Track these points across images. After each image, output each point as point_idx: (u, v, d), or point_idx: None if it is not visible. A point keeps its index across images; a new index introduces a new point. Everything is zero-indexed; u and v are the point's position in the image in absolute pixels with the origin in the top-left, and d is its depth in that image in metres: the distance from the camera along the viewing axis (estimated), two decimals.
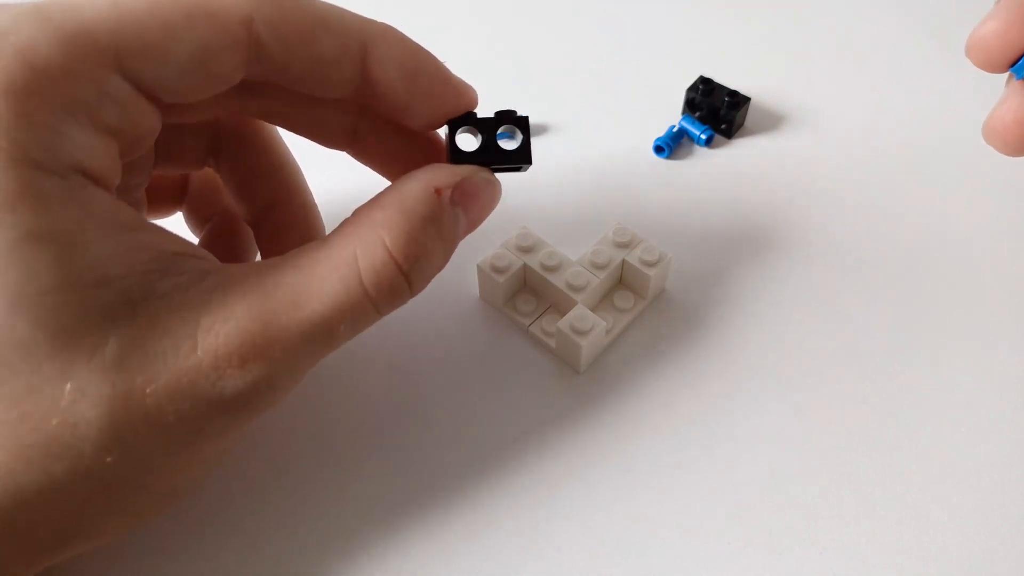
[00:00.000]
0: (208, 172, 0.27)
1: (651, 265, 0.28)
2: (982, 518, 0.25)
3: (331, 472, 0.26)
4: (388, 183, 0.23)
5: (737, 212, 0.33)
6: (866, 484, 0.26)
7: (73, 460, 0.17)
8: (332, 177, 0.28)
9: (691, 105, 0.35)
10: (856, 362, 0.28)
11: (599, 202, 0.33)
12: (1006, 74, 0.23)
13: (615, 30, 0.40)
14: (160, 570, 0.24)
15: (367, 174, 0.26)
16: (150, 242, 0.19)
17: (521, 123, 0.23)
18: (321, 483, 0.26)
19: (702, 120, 0.35)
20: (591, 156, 0.35)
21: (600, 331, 0.27)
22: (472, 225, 0.23)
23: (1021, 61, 0.22)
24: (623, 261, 0.29)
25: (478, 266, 0.29)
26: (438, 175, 0.22)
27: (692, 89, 0.35)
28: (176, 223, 0.29)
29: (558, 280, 0.28)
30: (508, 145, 0.23)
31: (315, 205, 0.27)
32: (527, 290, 0.30)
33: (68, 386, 0.17)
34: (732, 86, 0.35)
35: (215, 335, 0.18)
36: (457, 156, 0.23)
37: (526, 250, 0.29)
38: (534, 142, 0.26)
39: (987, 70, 0.22)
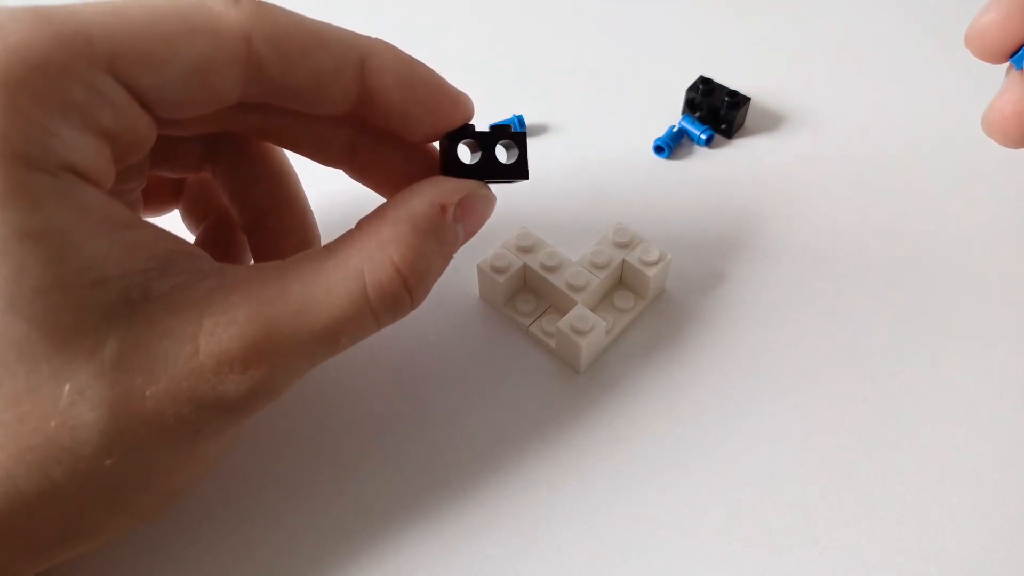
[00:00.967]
0: (204, 173, 0.27)
1: (651, 265, 0.28)
2: (982, 518, 0.25)
3: (330, 472, 0.26)
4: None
5: (737, 212, 0.33)
6: (866, 484, 0.26)
7: (72, 462, 0.17)
8: (329, 184, 0.28)
9: (691, 105, 0.35)
10: (856, 362, 0.28)
11: (599, 202, 0.33)
12: (1005, 65, 0.23)
13: (615, 30, 0.40)
14: (160, 570, 0.24)
15: None
16: (147, 240, 0.19)
17: (518, 139, 0.23)
18: (320, 483, 0.26)
19: (702, 120, 0.35)
20: (591, 156, 0.35)
21: (600, 331, 0.27)
22: (467, 237, 0.23)
23: (1021, 52, 0.22)
24: (623, 261, 0.29)
25: (478, 266, 0.29)
26: (442, 191, 0.22)
27: (692, 89, 0.35)
28: (173, 222, 0.29)
29: (558, 280, 0.28)
30: (504, 157, 0.23)
31: (311, 212, 0.27)
32: (527, 290, 0.30)
33: (67, 387, 0.17)
34: (732, 86, 0.35)
35: (217, 338, 0.18)
36: (454, 168, 0.23)
37: (526, 250, 0.29)
38: (534, 142, 0.26)
39: (986, 60, 0.22)
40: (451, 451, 0.26)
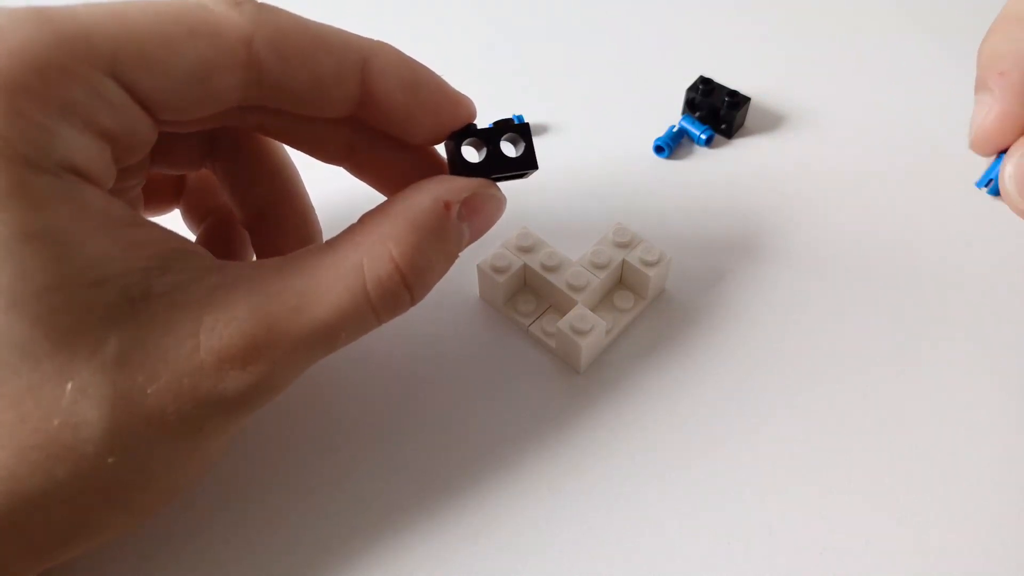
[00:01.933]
0: (205, 170, 0.27)
1: (651, 265, 0.28)
2: (982, 518, 0.25)
3: (330, 471, 0.26)
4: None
5: (737, 212, 0.33)
6: (866, 484, 0.26)
7: (75, 461, 0.17)
8: (330, 181, 0.28)
9: (691, 105, 0.35)
10: (856, 362, 0.28)
11: (599, 202, 0.33)
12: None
13: (615, 30, 0.40)
14: (160, 568, 0.24)
15: None
16: (147, 239, 0.19)
17: (523, 130, 0.23)
18: (320, 482, 0.26)
19: (702, 120, 0.35)
20: (591, 156, 0.35)
21: (600, 331, 0.27)
22: (474, 237, 0.23)
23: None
24: (623, 261, 0.29)
25: (478, 266, 0.29)
26: (448, 188, 0.22)
27: (692, 89, 0.35)
28: (173, 221, 0.29)
29: (558, 280, 0.28)
30: (510, 152, 0.23)
31: (312, 209, 0.27)
32: (527, 290, 0.30)
33: (69, 386, 0.17)
34: (732, 86, 0.35)
35: (218, 335, 0.18)
36: (461, 168, 0.23)
37: (526, 250, 0.29)
38: (535, 142, 0.25)
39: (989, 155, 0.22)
40: (451, 451, 0.26)
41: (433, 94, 0.22)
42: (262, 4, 0.20)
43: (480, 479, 0.26)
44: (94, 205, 0.18)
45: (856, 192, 0.33)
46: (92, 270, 0.17)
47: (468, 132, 0.23)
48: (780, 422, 0.27)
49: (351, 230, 0.21)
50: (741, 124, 0.36)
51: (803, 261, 0.31)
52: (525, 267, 0.29)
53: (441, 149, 0.24)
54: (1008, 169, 0.22)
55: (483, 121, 0.23)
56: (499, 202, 0.23)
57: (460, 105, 0.23)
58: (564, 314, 0.28)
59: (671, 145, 0.34)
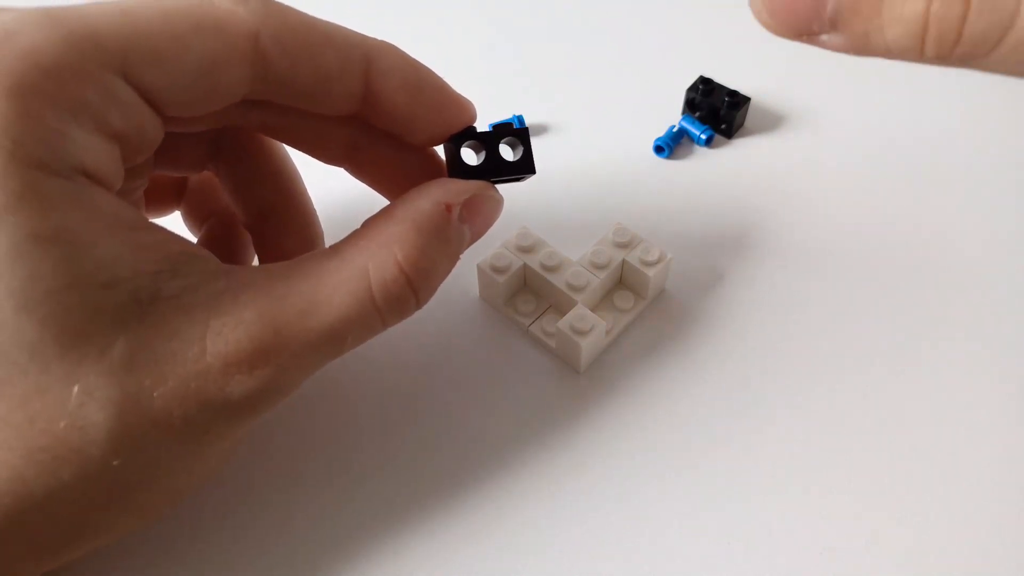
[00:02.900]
0: (207, 173, 0.27)
1: (651, 265, 0.28)
2: (982, 518, 0.25)
3: (330, 472, 0.26)
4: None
5: (737, 212, 0.33)
6: (867, 484, 0.26)
7: (81, 463, 0.17)
8: (332, 183, 0.28)
9: (691, 105, 0.36)
10: (856, 361, 0.29)
11: (599, 202, 0.33)
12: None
13: (615, 30, 0.40)
14: (163, 570, 0.24)
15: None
16: (156, 242, 0.19)
17: (521, 135, 0.24)
18: (320, 482, 0.26)
19: (702, 120, 0.35)
20: (591, 156, 0.35)
21: (600, 331, 0.27)
22: (474, 239, 0.23)
23: None
24: (623, 261, 0.29)
25: (478, 266, 0.29)
26: (448, 191, 0.22)
27: (692, 89, 0.35)
28: (173, 222, 0.29)
29: (558, 280, 0.28)
30: (509, 156, 0.23)
31: (314, 211, 0.27)
32: (527, 290, 0.30)
33: (76, 388, 0.17)
34: (732, 86, 0.35)
35: (224, 339, 0.19)
36: (460, 171, 0.23)
37: (526, 250, 0.29)
38: (534, 142, 0.26)
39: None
40: (451, 451, 0.26)
41: (435, 95, 0.22)
42: (268, 0, 0.20)
43: (480, 479, 0.26)
44: (104, 207, 0.18)
45: (856, 192, 0.33)
46: (102, 272, 0.17)
47: (468, 135, 0.23)
48: (780, 422, 0.27)
49: (355, 235, 0.22)
50: (741, 124, 0.36)
51: (803, 261, 0.31)
52: (525, 267, 0.29)
53: (440, 151, 0.25)
54: None
55: (483, 122, 0.24)
56: (497, 203, 0.24)
57: (461, 107, 0.23)
58: (564, 314, 0.28)
59: (671, 145, 0.34)
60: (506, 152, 0.23)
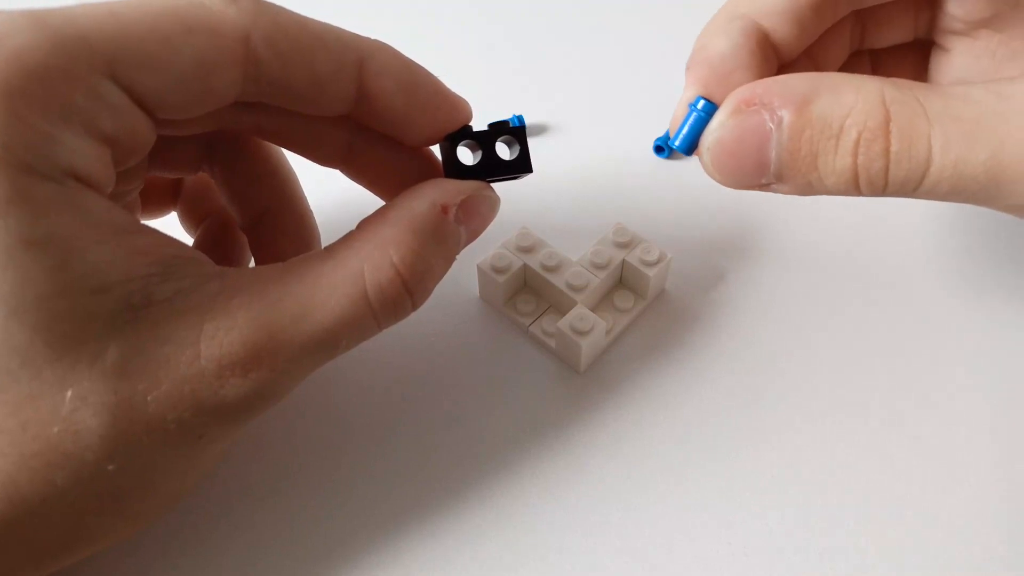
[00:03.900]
0: (203, 174, 0.27)
1: (651, 265, 0.28)
2: (982, 518, 0.25)
3: (329, 472, 0.26)
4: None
5: (737, 212, 0.33)
6: (867, 485, 0.26)
7: (75, 469, 0.17)
8: (328, 184, 0.28)
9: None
10: (856, 362, 0.28)
11: (599, 202, 0.33)
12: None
13: (615, 30, 0.40)
14: (160, 571, 0.24)
15: None
16: (148, 246, 0.19)
17: (518, 133, 0.23)
18: (319, 483, 0.26)
19: None
20: (591, 156, 0.35)
21: (600, 331, 0.27)
22: (471, 239, 0.23)
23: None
24: (623, 261, 0.29)
25: (478, 266, 0.29)
26: (444, 192, 0.22)
27: None
28: (170, 224, 0.29)
29: (558, 280, 0.28)
30: (505, 155, 0.23)
31: (310, 212, 0.27)
32: (527, 290, 0.30)
33: (69, 393, 0.17)
34: None
35: (218, 343, 0.18)
36: (456, 171, 0.23)
37: (526, 250, 0.29)
38: (534, 142, 0.26)
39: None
40: (450, 451, 0.26)
41: (430, 95, 0.22)
42: (259, 1, 0.20)
43: (480, 479, 0.26)
44: (95, 211, 0.18)
45: None
46: (94, 277, 0.17)
47: (464, 134, 0.23)
48: (780, 422, 0.27)
49: (350, 236, 0.21)
50: None
51: (803, 261, 0.31)
52: (525, 267, 0.29)
53: (436, 151, 0.24)
54: (707, 140, 0.22)
55: (481, 121, 0.23)
56: (493, 203, 0.23)
57: (456, 107, 0.23)
58: (564, 314, 0.28)
59: (671, 145, 0.34)
60: (503, 151, 0.23)
